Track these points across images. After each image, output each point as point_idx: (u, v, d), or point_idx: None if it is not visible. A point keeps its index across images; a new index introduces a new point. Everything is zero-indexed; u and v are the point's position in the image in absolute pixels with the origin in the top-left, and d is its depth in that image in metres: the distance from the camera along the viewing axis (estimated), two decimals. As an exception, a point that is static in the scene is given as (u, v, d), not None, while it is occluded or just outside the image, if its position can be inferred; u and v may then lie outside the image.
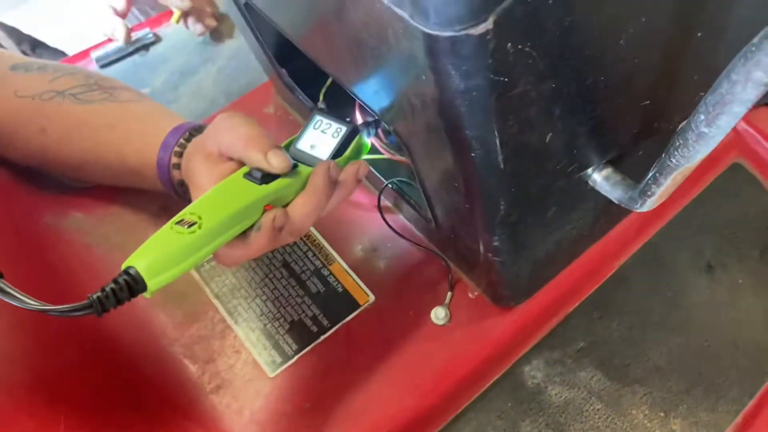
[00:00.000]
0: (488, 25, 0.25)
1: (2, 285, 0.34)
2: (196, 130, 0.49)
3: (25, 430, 0.40)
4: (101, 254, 0.59)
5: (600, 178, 0.43)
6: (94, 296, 0.34)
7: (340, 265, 0.57)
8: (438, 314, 0.54)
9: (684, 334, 0.57)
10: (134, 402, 0.48)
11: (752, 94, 0.25)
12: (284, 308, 0.55)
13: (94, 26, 0.75)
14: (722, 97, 0.26)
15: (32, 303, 0.34)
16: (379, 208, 0.55)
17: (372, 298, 0.56)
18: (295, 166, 0.42)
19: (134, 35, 0.75)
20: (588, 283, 0.58)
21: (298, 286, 0.56)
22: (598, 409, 0.55)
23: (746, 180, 0.62)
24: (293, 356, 0.53)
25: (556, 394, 0.55)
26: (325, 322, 0.55)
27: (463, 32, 0.25)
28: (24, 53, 1.18)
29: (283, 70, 0.60)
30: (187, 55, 0.76)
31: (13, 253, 0.57)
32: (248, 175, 0.41)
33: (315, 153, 0.44)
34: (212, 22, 0.76)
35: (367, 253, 0.58)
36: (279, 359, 0.53)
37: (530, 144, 0.34)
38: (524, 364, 0.56)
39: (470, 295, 0.55)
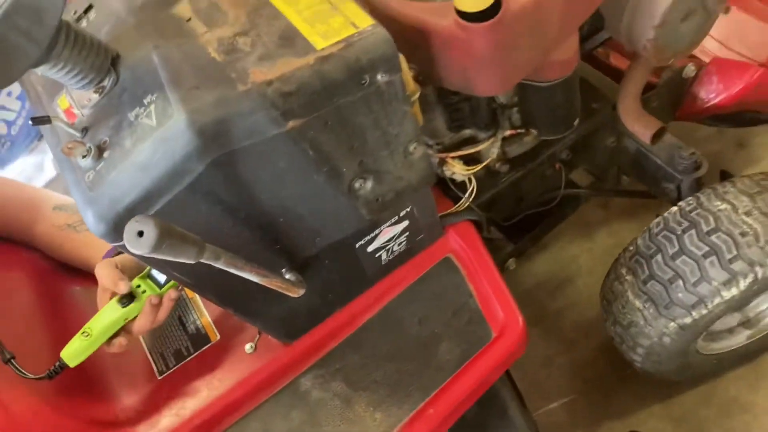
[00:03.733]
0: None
1: (14, 364, 0.84)
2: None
3: None
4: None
5: (292, 276, 0.84)
6: (45, 374, 0.85)
7: (207, 318, 1.02)
8: (247, 348, 0.97)
9: (396, 362, 0.96)
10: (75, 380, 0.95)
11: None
12: (172, 341, 1.00)
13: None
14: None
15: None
16: (216, 288, 0.99)
17: (218, 336, 1.00)
18: (144, 291, 0.89)
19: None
20: (343, 331, 0.98)
21: (183, 330, 1.02)
22: (336, 405, 0.94)
23: (451, 268, 0.99)
24: (173, 367, 0.98)
25: (315, 394, 0.95)
26: (192, 350, 0.99)
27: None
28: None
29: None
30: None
31: (47, 315, 1.07)
32: (119, 300, 0.88)
33: (156, 278, 0.90)
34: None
35: (220, 313, 1.02)
36: (165, 369, 0.98)
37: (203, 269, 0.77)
38: (301, 377, 0.97)
39: (270, 337, 0.98)
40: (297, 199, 0.75)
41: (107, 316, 0.89)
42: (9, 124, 1.30)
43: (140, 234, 0.54)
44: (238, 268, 0.68)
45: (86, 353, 0.88)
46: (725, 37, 1.19)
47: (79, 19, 0.77)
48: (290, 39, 0.68)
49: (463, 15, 0.75)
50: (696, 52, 1.18)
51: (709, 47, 1.20)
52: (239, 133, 0.64)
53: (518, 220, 1.19)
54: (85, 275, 1.11)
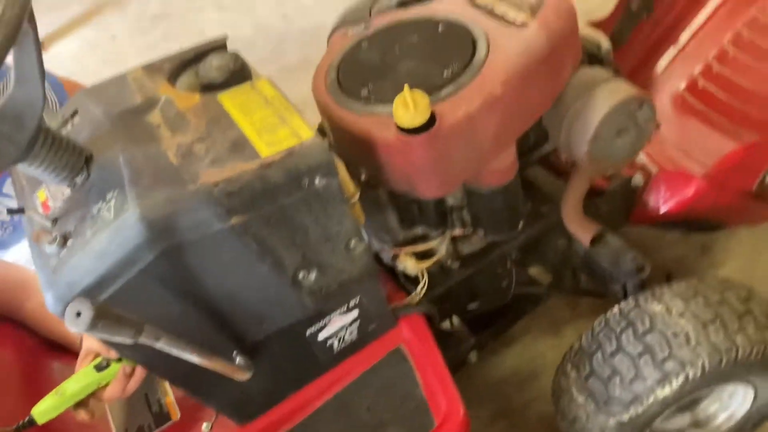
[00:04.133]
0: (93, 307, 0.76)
1: None
2: None
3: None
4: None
5: (241, 360, 0.90)
6: (13, 428, 0.90)
7: (170, 397, 1.08)
8: (203, 427, 1.02)
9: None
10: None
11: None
12: (136, 418, 1.06)
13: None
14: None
15: None
16: (179, 368, 1.06)
17: (179, 415, 1.05)
18: (119, 360, 0.96)
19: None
20: (296, 415, 1.03)
21: (147, 408, 1.07)
22: (284, 487, 0.98)
23: (401, 358, 1.05)
24: (134, 445, 1.04)
25: (265, 477, 1.00)
26: (154, 427, 1.05)
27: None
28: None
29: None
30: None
31: (24, 387, 1.13)
32: (95, 366, 0.95)
33: None
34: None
35: (180, 396, 1.08)
36: (127, 446, 1.04)
37: (166, 356, 0.84)
38: (255, 458, 1.01)
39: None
40: (242, 287, 0.82)
41: (82, 379, 0.95)
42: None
43: (78, 314, 0.62)
44: (180, 349, 0.75)
45: (56, 412, 0.93)
46: (679, 144, 1.28)
47: (65, 122, 0.88)
48: (240, 146, 0.78)
49: (402, 129, 0.85)
50: (652, 154, 1.27)
51: (665, 151, 1.28)
52: (187, 227, 0.72)
53: (479, 315, 1.24)
54: (67, 352, 1.19)
